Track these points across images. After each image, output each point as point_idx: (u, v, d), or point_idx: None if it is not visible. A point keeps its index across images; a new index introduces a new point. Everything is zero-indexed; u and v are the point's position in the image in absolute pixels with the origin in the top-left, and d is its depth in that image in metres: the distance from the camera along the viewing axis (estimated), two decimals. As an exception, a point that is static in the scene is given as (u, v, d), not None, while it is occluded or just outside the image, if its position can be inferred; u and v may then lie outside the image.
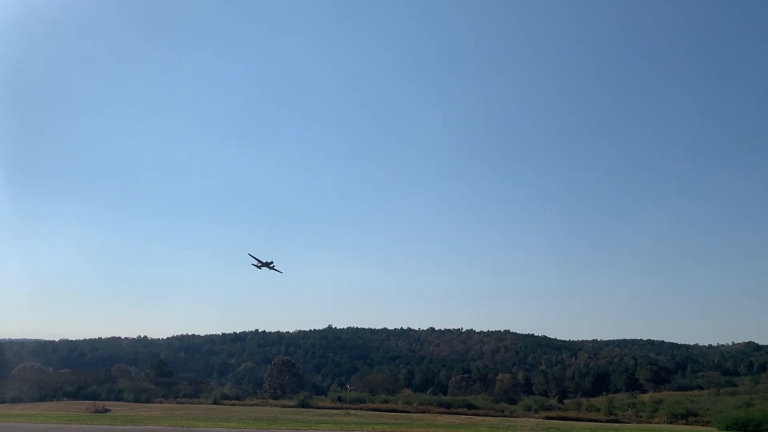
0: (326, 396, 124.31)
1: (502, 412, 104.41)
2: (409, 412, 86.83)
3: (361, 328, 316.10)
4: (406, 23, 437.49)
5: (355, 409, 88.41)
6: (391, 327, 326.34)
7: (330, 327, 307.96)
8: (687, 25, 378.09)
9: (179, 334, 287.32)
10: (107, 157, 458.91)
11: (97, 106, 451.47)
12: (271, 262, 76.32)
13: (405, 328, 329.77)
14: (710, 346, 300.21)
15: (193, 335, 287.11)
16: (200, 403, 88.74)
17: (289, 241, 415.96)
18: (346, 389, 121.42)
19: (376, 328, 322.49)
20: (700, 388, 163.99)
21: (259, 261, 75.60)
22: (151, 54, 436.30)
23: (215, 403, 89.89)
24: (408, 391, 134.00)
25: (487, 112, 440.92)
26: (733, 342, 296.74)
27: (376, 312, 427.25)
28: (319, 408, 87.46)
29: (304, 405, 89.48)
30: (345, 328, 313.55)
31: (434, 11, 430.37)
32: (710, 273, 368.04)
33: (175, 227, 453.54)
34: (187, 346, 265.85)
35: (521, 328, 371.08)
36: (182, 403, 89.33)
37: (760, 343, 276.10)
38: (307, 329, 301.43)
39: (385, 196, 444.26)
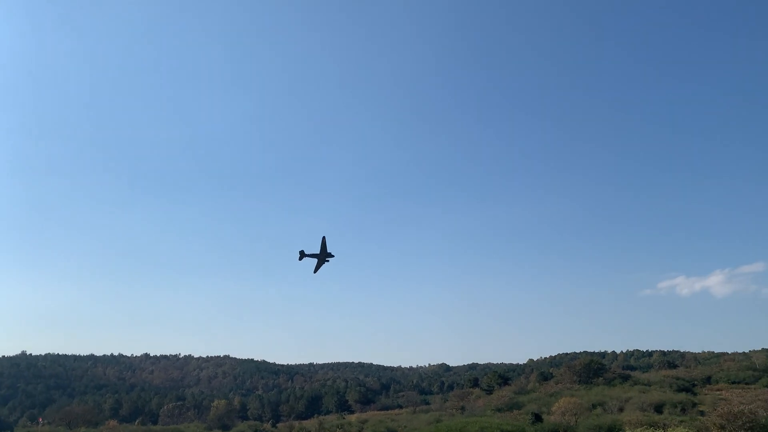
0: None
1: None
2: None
3: (62, 355, 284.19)
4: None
5: (49, 445, 79.52)
6: (99, 353, 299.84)
7: (24, 353, 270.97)
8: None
9: None
10: None
11: None
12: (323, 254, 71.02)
13: (116, 354, 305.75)
14: (411, 367, 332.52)
15: None
16: None
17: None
18: (38, 423, 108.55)
19: (82, 355, 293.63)
20: (400, 407, 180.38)
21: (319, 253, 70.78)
22: None
23: None
24: (113, 423, 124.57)
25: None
26: (429, 364, 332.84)
27: (82, 337, 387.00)
28: (2, 447, 76.70)
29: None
30: (43, 354, 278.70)
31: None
32: (408, 302, 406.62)
33: None
34: None
35: (241, 353, 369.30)
36: None
37: (451, 365, 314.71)
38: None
39: (93, 209, 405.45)
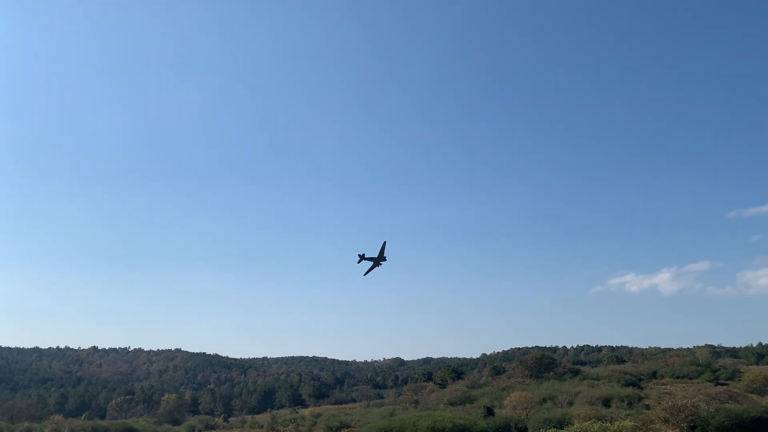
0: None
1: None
2: (57, 441, 78.69)
3: (5, 347, 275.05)
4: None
5: (-11, 441, 76.80)
6: (44, 346, 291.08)
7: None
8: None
9: None
10: None
11: None
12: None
13: (62, 347, 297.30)
14: (365, 362, 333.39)
15: None
16: None
17: None
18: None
19: (26, 347, 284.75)
20: (354, 401, 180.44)
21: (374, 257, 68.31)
22: None
23: None
24: (59, 417, 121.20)
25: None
26: (384, 358, 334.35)
27: (25, 328, 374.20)
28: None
29: None
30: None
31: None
32: (362, 297, 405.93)
33: None
34: None
35: (193, 346, 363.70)
36: None
37: (405, 359, 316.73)
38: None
39: (35, 197, 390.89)
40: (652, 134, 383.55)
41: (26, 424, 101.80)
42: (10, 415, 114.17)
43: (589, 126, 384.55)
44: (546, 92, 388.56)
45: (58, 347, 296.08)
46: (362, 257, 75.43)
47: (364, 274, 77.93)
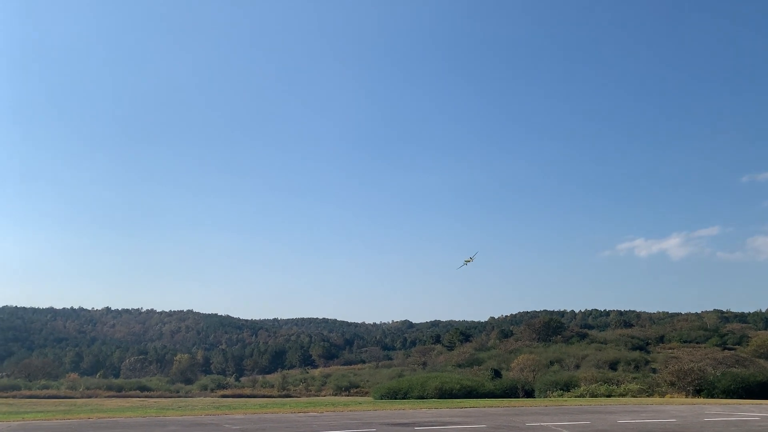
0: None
1: (178, 392, 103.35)
2: (73, 398, 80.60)
3: (20, 307, 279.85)
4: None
5: (6, 397, 78.75)
6: (58, 306, 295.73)
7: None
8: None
9: None
10: None
11: None
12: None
13: (76, 307, 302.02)
14: (374, 324, 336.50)
15: None
16: None
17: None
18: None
19: (41, 308, 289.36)
20: (363, 362, 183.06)
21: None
22: None
23: None
24: (74, 376, 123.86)
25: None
26: (393, 320, 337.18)
27: (40, 289, 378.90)
28: (-43, 399, 75.58)
29: (-64, 397, 76.56)
30: (0, 306, 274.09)
31: None
32: (372, 260, 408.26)
33: None
34: None
35: (204, 307, 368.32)
36: None
37: (414, 322, 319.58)
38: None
39: (49, 160, 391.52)
40: (665, 95, 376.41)
41: (43, 382, 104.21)
42: (27, 373, 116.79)
43: (600, 85, 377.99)
44: (561, 49, 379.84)
45: (72, 308, 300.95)
46: (466, 262, 77.75)
47: (458, 268, 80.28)
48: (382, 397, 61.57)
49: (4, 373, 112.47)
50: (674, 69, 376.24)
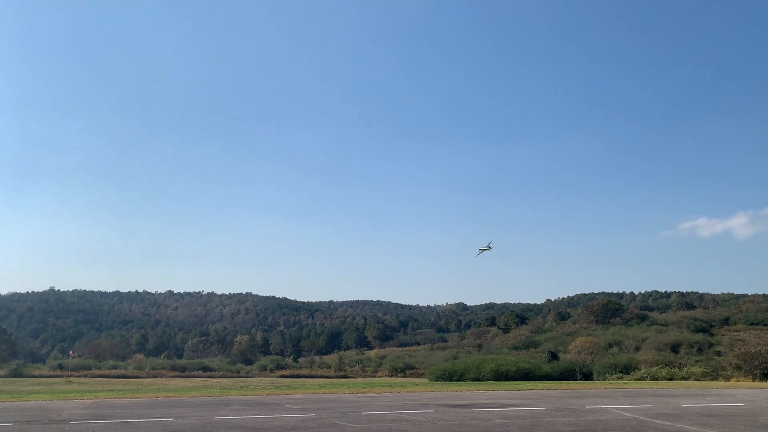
0: (44, 364, 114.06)
1: (238, 372, 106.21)
2: (140, 377, 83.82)
3: (89, 291, 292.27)
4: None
5: (79, 376, 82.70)
6: (124, 290, 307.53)
7: (52, 289, 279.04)
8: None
9: None
10: None
11: None
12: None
13: (140, 291, 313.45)
14: (428, 306, 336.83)
15: None
16: None
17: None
18: (68, 356, 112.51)
19: (108, 291, 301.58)
20: (418, 344, 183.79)
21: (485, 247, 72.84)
22: None
23: None
24: (140, 356, 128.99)
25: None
26: (447, 303, 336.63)
27: (107, 274, 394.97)
28: (34, 377, 79.98)
29: (16, 374, 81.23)
30: (70, 290, 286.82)
31: None
32: (426, 243, 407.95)
33: None
34: None
35: (262, 290, 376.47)
36: None
37: (468, 304, 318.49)
38: (23, 291, 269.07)
39: (112, 147, 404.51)
40: (727, 67, 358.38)
41: (111, 362, 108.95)
42: (97, 354, 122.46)
43: (663, 59, 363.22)
44: (626, 27, 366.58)
45: (136, 291, 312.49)
46: (481, 250, 78.44)
47: (476, 256, 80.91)
48: (438, 379, 61.90)
49: (76, 354, 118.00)
50: (738, 37, 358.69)
